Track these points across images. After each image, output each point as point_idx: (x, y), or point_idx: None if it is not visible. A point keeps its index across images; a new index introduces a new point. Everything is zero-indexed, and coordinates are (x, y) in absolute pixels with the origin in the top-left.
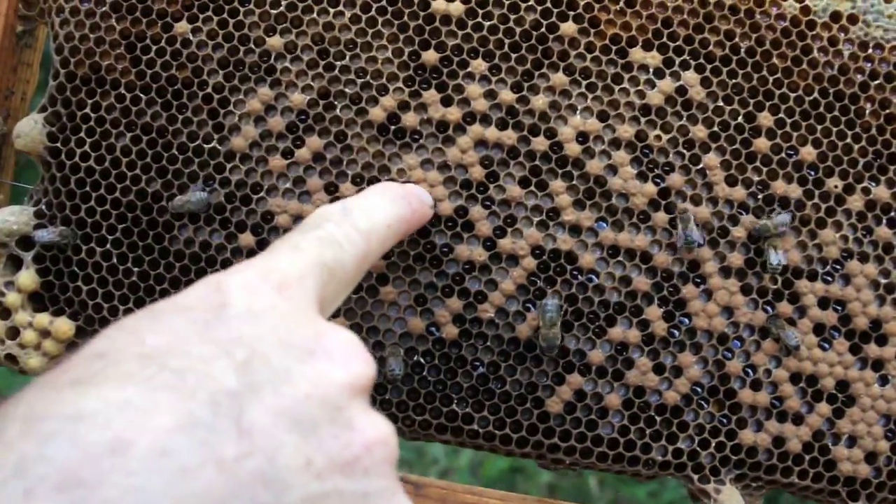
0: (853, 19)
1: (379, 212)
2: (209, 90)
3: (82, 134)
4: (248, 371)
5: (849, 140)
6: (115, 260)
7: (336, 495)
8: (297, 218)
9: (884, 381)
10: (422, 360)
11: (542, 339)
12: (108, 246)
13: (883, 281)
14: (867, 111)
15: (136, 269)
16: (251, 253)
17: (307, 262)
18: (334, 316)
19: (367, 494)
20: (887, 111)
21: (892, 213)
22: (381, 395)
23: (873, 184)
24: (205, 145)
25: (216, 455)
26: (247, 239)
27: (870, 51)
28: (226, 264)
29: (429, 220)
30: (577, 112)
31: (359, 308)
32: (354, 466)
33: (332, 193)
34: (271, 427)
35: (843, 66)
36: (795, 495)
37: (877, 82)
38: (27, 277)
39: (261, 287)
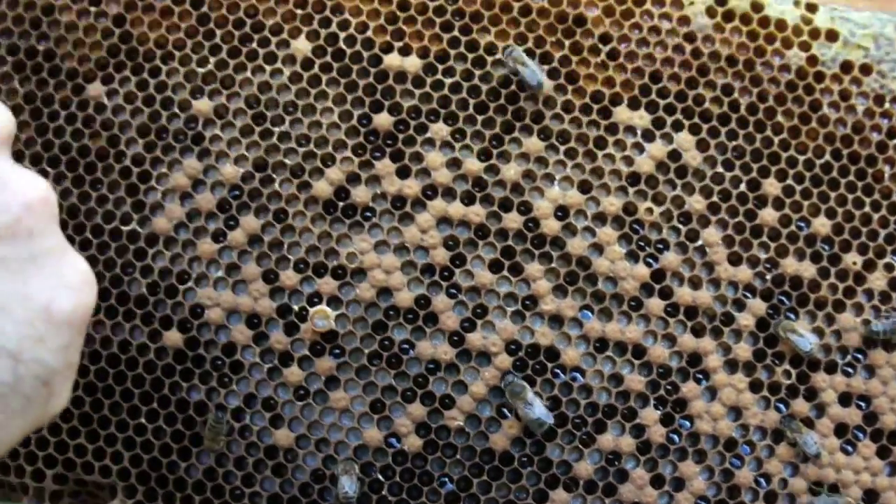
0: (866, 69)
1: None
2: (127, 162)
3: None
4: None
5: (867, 209)
6: None
7: (0, 264)
8: (231, 312)
9: None
10: (380, 476)
11: (527, 422)
12: None
13: None
14: (886, 174)
15: None
16: (178, 354)
17: None
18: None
19: (35, 256)
20: None
21: None
22: None
23: None
24: (123, 227)
25: None
26: (173, 337)
27: (887, 105)
28: (150, 367)
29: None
30: (555, 182)
31: (306, 417)
32: (16, 230)
33: (272, 282)
34: None
35: (857, 124)
36: None
37: None
38: None
39: None
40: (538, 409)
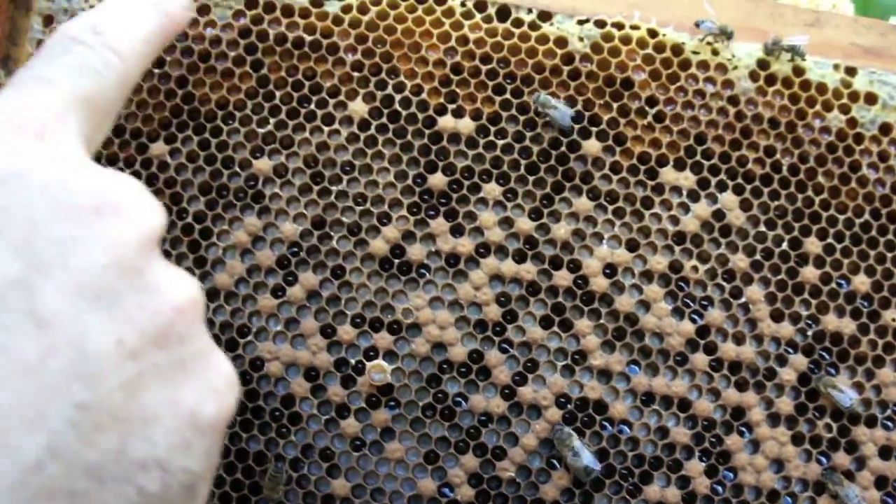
0: None
1: (133, 25)
2: (189, 219)
3: None
4: (30, 250)
5: None
6: None
7: (153, 372)
8: (290, 365)
9: None
10: None
11: (574, 470)
12: None
13: None
14: None
15: None
16: (238, 405)
17: (65, 98)
18: None
19: (185, 361)
20: None
21: None
22: None
23: None
24: None
25: (16, 360)
26: None
27: None
28: None
29: (187, 26)
30: (604, 241)
31: (362, 467)
32: (168, 335)
33: (330, 337)
34: (71, 310)
35: None
36: None
37: None
38: None
39: (17, 140)
40: (586, 457)
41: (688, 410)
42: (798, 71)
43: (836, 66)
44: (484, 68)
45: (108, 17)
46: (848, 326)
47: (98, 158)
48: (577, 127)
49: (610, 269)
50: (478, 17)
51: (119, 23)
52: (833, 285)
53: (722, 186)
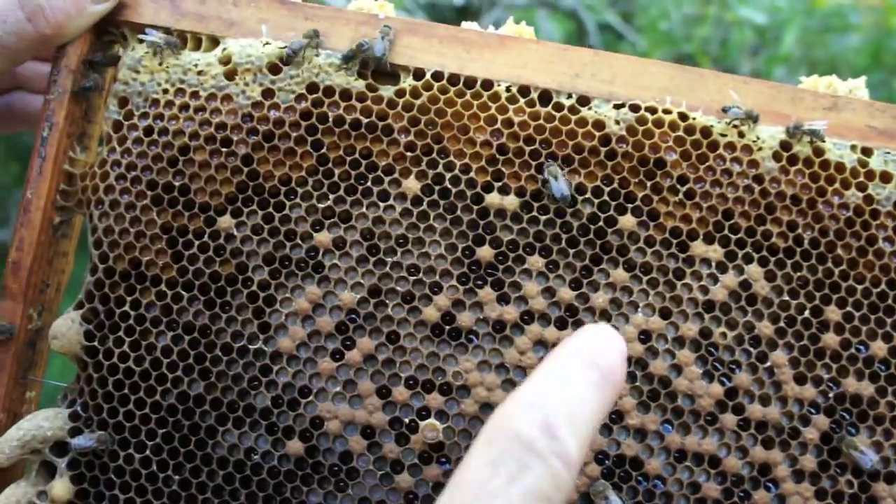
0: None
1: (586, 417)
2: (254, 287)
3: (121, 333)
4: None
5: None
6: (154, 467)
7: None
8: (348, 424)
9: None
10: None
11: None
12: (148, 452)
13: None
14: None
15: (176, 478)
16: (299, 461)
17: None
18: None
19: None
20: None
21: None
22: None
23: None
24: (250, 346)
25: None
26: (295, 446)
27: None
28: (273, 473)
29: None
30: (639, 309)
31: None
32: None
33: (385, 398)
34: None
35: None
36: None
37: None
38: (61, 487)
39: None
40: (615, 502)
41: (717, 467)
42: (818, 152)
43: (853, 147)
44: (527, 149)
45: (559, 406)
46: (867, 389)
47: (168, 230)
48: (566, 200)
49: (645, 336)
50: (521, 101)
51: (571, 415)
52: (852, 350)
53: (748, 258)
